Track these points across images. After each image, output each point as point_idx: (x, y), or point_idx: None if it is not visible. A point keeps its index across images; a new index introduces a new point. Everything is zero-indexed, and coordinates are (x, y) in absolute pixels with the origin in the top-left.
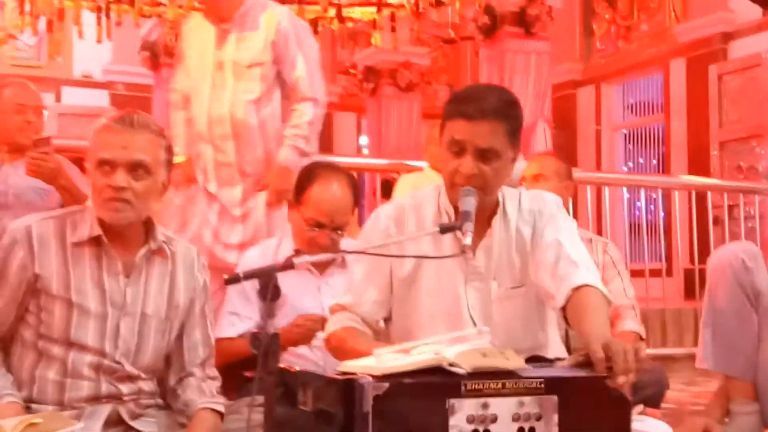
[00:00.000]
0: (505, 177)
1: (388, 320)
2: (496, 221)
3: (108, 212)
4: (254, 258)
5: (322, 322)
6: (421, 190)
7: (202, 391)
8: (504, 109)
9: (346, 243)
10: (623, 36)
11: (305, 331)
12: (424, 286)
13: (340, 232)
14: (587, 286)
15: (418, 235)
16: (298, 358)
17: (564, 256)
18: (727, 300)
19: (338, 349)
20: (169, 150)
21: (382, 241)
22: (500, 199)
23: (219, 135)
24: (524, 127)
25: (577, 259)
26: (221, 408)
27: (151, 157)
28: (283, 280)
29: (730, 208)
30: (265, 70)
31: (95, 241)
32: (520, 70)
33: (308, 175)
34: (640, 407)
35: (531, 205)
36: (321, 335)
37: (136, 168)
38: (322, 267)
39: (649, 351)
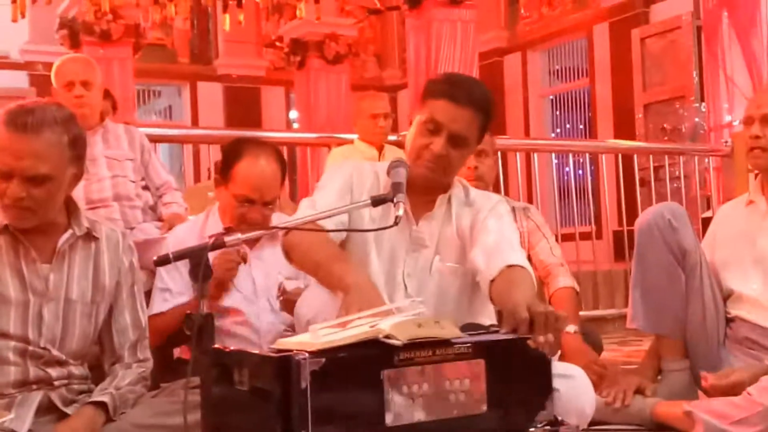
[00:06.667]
0: (461, 166)
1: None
2: (442, 200)
3: (9, 217)
4: (183, 235)
5: (238, 253)
6: (380, 163)
7: (115, 380)
8: (486, 104)
9: (277, 217)
10: (547, 2)
11: (222, 262)
12: (374, 244)
13: (270, 206)
14: (522, 267)
15: (353, 206)
16: (233, 338)
17: (505, 240)
18: (655, 260)
19: (297, 247)
20: (75, 141)
21: (344, 185)
22: (449, 184)
23: None
24: None
25: (518, 248)
26: (105, 398)
27: (49, 164)
28: (215, 255)
29: (656, 169)
30: None
31: (9, 229)
32: (447, 39)
33: (235, 152)
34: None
35: (476, 199)
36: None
37: (33, 178)
38: (252, 241)
39: (582, 313)
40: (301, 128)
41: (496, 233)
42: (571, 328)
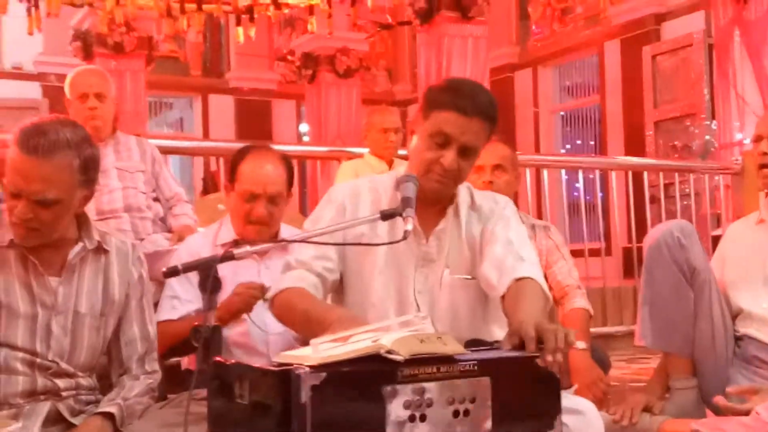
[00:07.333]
0: (469, 174)
1: (340, 292)
2: (450, 211)
3: (15, 235)
4: (196, 245)
5: (261, 289)
6: (378, 176)
7: (122, 391)
8: (492, 111)
9: (286, 230)
10: (558, 19)
11: (246, 298)
12: (378, 265)
13: (275, 203)
14: (530, 278)
15: (363, 220)
16: (241, 348)
17: (513, 252)
18: (663, 278)
19: (285, 310)
20: (87, 164)
21: (337, 216)
22: (455, 191)
23: None
24: None
25: (526, 257)
26: (113, 409)
27: (58, 189)
28: (223, 263)
29: (666, 186)
30: None
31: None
32: (458, 54)
33: (240, 154)
34: (574, 387)
35: (483, 204)
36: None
37: (40, 201)
38: (261, 250)
39: (590, 329)
40: (312, 141)
41: (503, 243)
42: (581, 344)
